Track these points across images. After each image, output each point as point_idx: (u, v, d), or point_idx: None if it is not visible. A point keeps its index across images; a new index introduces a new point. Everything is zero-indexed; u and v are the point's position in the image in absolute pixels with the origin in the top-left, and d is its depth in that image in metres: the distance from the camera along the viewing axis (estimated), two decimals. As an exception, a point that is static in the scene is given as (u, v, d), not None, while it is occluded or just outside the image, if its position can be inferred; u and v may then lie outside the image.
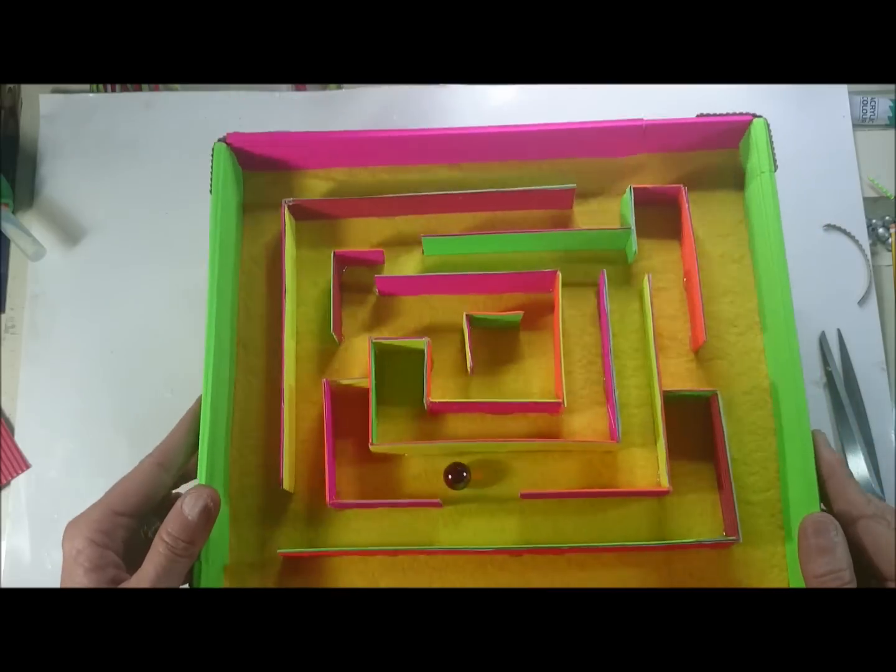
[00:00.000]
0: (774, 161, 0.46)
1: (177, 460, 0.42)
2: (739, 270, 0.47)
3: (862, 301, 0.58)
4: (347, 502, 0.43)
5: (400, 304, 0.47)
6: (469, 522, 0.44)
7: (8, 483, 0.57)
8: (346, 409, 0.45)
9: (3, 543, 0.56)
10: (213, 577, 0.41)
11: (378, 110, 0.63)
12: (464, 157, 0.49)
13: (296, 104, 0.64)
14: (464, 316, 0.45)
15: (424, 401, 0.43)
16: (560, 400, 0.43)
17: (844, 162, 0.61)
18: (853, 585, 0.38)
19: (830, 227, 0.59)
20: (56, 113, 0.64)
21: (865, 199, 0.60)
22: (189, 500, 0.39)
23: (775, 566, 0.42)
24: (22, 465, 0.57)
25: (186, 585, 0.41)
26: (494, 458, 0.44)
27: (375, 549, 0.42)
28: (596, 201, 0.48)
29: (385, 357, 0.45)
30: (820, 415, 0.56)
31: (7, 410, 0.59)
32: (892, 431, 0.56)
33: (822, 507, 0.41)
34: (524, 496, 0.43)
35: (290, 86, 0.65)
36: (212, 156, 0.46)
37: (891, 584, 0.38)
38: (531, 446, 0.44)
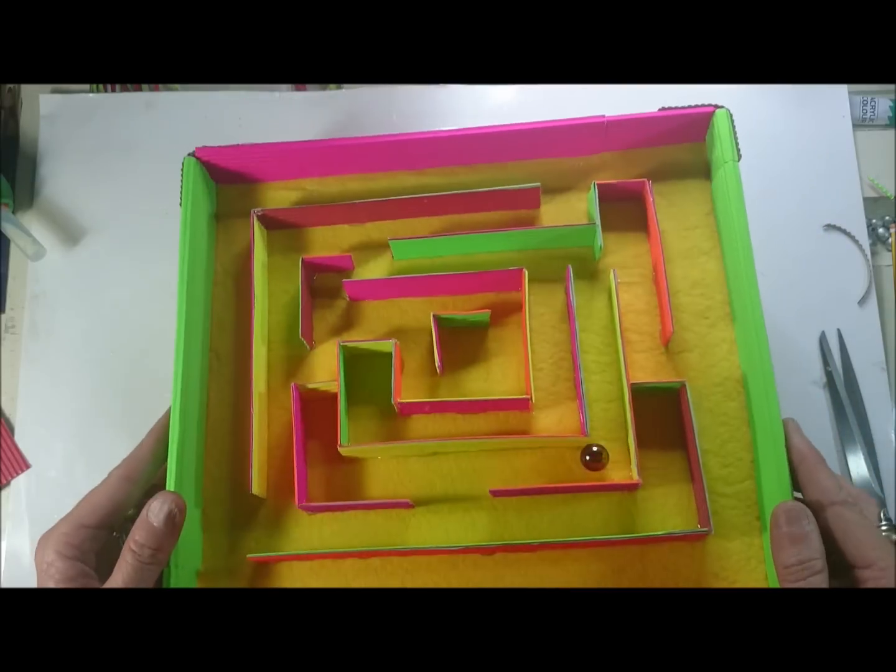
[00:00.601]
0: (738, 151, 0.45)
1: (144, 472, 0.42)
2: (709, 262, 0.47)
3: (862, 301, 0.58)
4: (317, 505, 0.43)
5: (370, 309, 0.48)
6: (441, 522, 0.43)
7: (8, 483, 0.57)
8: (317, 414, 0.45)
9: (3, 543, 0.56)
10: (185, 582, 0.42)
11: (378, 110, 0.63)
12: (431, 163, 0.49)
13: (296, 104, 0.63)
14: (431, 316, 0.45)
15: (393, 402, 0.44)
16: (528, 396, 0.43)
17: (844, 162, 0.61)
18: (825, 574, 0.37)
19: (830, 227, 0.59)
20: (56, 113, 0.64)
21: (865, 199, 0.60)
22: (154, 506, 0.39)
23: (752, 557, 0.42)
24: (22, 465, 0.57)
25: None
26: (465, 457, 0.44)
27: (346, 550, 0.42)
28: (563, 199, 0.48)
29: (355, 360, 0.46)
30: (820, 415, 0.56)
31: (7, 410, 0.59)
32: (892, 431, 0.55)
33: (797, 495, 0.40)
34: (494, 493, 0.43)
35: (290, 86, 0.64)
36: (181, 170, 0.47)
37: (862, 572, 0.37)
38: (501, 444, 0.44)
